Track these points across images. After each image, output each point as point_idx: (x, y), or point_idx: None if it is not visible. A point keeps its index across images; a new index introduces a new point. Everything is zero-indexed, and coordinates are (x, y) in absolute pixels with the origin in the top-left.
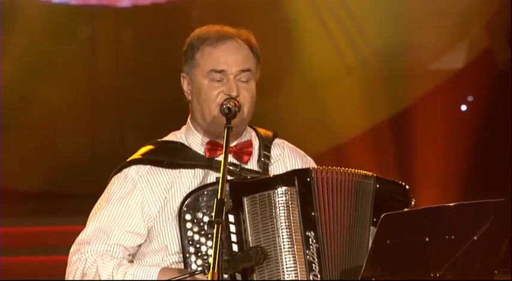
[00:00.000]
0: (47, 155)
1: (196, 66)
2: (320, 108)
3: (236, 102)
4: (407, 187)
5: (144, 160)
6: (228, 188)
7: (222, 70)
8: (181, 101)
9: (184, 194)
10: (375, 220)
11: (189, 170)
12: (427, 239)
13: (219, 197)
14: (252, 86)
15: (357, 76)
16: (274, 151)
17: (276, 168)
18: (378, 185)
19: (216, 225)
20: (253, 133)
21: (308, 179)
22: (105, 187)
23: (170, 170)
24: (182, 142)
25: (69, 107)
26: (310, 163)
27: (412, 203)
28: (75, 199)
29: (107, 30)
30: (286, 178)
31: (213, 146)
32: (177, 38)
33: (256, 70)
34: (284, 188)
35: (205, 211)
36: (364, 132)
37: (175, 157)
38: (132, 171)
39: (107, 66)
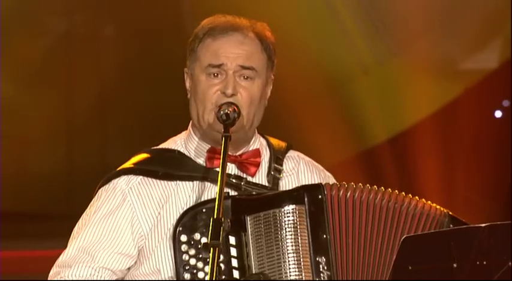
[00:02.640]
0: (16, 170)
1: (196, 60)
2: (333, 112)
3: (235, 107)
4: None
5: (136, 170)
6: (229, 205)
7: (220, 64)
8: (174, 107)
9: (181, 210)
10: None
11: (187, 182)
12: (454, 265)
13: (215, 216)
14: (256, 87)
15: (374, 77)
16: (288, 165)
17: (288, 183)
18: (451, 225)
19: (212, 248)
20: (264, 143)
21: (320, 197)
22: (83, 206)
23: (165, 182)
24: (181, 149)
25: (43, 113)
26: (328, 180)
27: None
28: (49, 220)
29: (86, 25)
30: (295, 195)
31: (213, 154)
32: (166, 33)
33: (267, 70)
34: (292, 206)
35: (203, 231)
36: (382, 141)
37: (171, 167)
38: (121, 182)
39: (87, 66)
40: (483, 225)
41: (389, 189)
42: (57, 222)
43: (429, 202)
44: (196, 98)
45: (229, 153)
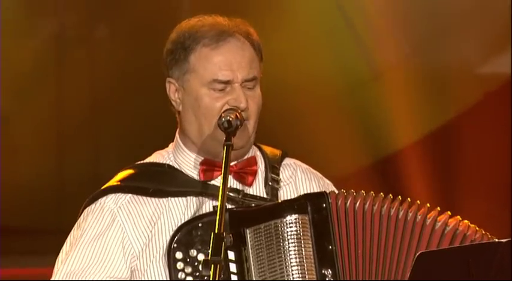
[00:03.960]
0: (2, 183)
1: (191, 71)
2: (342, 120)
3: (238, 114)
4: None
5: (124, 188)
6: (227, 219)
7: (227, 81)
8: (172, 115)
9: (174, 227)
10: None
11: (180, 199)
12: None
13: (216, 231)
14: (259, 93)
15: (386, 82)
16: (284, 173)
17: (286, 193)
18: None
19: (213, 265)
20: (258, 152)
21: (324, 205)
22: (75, 221)
23: (156, 199)
24: (170, 163)
25: (30, 121)
26: (328, 187)
27: None
28: (37, 236)
29: (78, 26)
30: (297, 204)
31: (209, 167)
32: (164, 35)
33: (260, 71)
34: (294, 216)
35: (199, 247)
36: (395, 151)
37: (162, 183)
38: (109, 201)
39: (78, 70)
40: (503, 240)
41: (418, 201)
42: (46, 238)
43: (458, 217)
44: (197, 113)
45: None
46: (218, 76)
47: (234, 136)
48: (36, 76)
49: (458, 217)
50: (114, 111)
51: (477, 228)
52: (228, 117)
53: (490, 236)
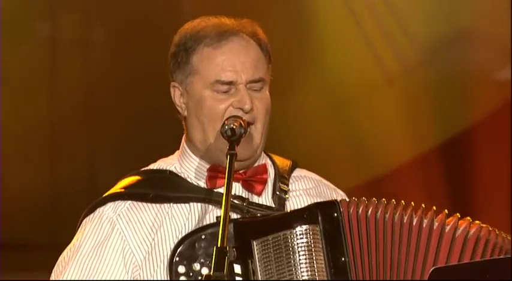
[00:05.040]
0: None
1: (193, 73)
2: (351, 129)
3: (242, 121)
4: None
5: (123, 195)
6: (231, 230)
7: (231, 82)
8: (173, 120)
9: (178, 235)
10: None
11: (183, 205)
12: None
13: (219, 245)
14: (266, 95)
15: (400, 87)
16: (294, 185)
17: (296, 204)
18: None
19: None
20: (268, 160)
21: (335, 214)
22: (69, 234)
23: (158, 205)
24: (176, 169)
25: (22, 127)
26: (341, 198)
27: None
28: (29, 250)
29: (73, 28)
30: (307, 214)
31: (215, 173)
32: (164, 38)
33: (268, 72)
34: (304, 227)
35: (203, 261)
36: (409, 160)
37: (163, 189)
38: (108, 210)
39: (73, 74)
40: None
41: (434, 207)
42: (38, 253)
43: (478, 222)
44: (200, 116)
45: (234, 170)
46: (221, 77)
47: (238, 145)
48: (29, 80)
49: (478, 221)
50: (111, 117)
51: (497, 231)
52: (232, 125)
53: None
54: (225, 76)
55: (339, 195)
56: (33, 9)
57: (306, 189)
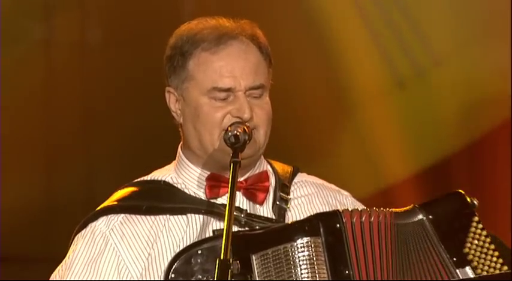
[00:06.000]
0: None
1: (190, 79)
2: (361, 136)
3: (246, 127)
4: (458, 191)
5: (115, 208)
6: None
7: (229, 88)
8: (174, 130)
9: (176, 249)
10: (455, 259)
11: (180, 217)
12: None
13: (222, 257)
14: (267, 101)
15: (412, 92)
16: (295, 192)
17: (297, 213)
18: (430, 216)
19: None
20: (269, 167)
21: (337, 226)
22: (65, 248)
23: (153, 217)
24: (172, 179)
25: (16, 136)
26: (346, 201)
27: (475, 203)
28: (24, 264)
29: (68, 30)
30: (308, 226)
31: (215, 182)
32: (164, 40)
33: (269, 77)
34: (305, 239)
35: (200, 276)
36: (422, 170)
37: (158, 200)
38: (101, 224)
39: (69, 79)
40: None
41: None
42: (33, 267)
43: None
44: (197, 124)
45: None
46: (218, 84)
47: (242, 152)
48: (22, 85)
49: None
50: (109, 126)
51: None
52: (236, 132)
53: None
54: (222, 83)
55: (343, 196)
56: (27, 9)
57: (307, 195)
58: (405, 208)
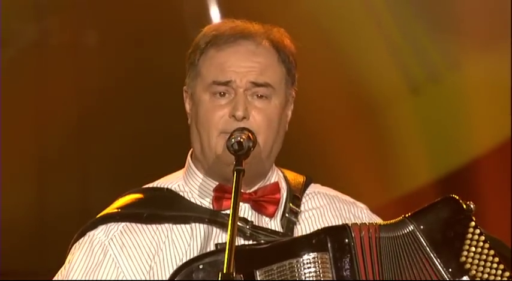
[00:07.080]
0: None
1: (197, 75)
2: (374, 143)
3: (250, 134)
4: (451, 196)
5: (115, 216)
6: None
7: (228, 81)
8: (173, 136)
9: (179, 262)
10: (450, 269)
11: (184, 228)
12: None
13: (225, 271)
14: (273, 107)
15: (426, 97)
16: (307, 204)
17: (306, 226)
18: (422, 226)
19: None
20: (282, 177)
21: (346, 241)
22: (58, 261)
23: (155, 226)
24: (179, 187)
25: (7, 144)
26: (361, 214)
27: (472, 207)
28: (15, 279)
29: (62, 32)
30: (315, 240)
31: (222, 194)
32: (163, 43)
33: (286, 86)
34: (312, 254)
35: None
36: (439, 178)
37: (159, 208)
38: (99, 233)
39: (63, 83)
40: None
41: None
42: (28, 279)
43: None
44: (198, 124)
45: (241, 190)
46: (218, 77)
47: (246, 159)
48: (14, 90)
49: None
50: (104, 131)
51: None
52: (239, 138)
53: None
54: (222, 76)
55: (358, 209)
56: (18, 10)
57: (319, 207)
58: (394, 220)
